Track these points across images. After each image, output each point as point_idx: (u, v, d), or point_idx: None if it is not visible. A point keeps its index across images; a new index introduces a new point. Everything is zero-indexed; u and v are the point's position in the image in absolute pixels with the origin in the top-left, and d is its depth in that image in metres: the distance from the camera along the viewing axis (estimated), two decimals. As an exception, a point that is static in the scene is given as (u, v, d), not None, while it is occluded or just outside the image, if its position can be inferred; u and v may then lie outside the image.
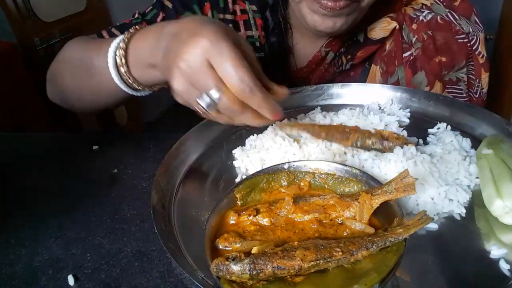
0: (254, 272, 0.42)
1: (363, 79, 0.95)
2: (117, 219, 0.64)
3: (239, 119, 0.55)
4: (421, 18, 0.88)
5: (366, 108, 0.80)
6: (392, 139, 0.66)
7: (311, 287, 0.42)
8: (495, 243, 0.51)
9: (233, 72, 0.50)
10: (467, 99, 0.91)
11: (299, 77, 0.99)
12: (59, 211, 0.67)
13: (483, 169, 0.59)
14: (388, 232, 0.46)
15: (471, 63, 0.89)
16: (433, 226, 0.54)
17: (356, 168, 0.56)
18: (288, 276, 0.43)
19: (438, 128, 0.74)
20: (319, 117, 0.78)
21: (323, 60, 0.95)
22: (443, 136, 0.70)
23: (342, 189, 0.56)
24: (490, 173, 0.57)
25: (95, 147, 0.85)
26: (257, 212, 0.52)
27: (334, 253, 0.43)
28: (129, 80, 0.67)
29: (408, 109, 0.81)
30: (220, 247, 0.48)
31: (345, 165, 0.57)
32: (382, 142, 0.66)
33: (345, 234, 0.49)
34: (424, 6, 0.90)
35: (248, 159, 0.68)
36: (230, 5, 0.91)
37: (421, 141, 0.71)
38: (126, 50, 0.65)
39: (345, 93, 0.87)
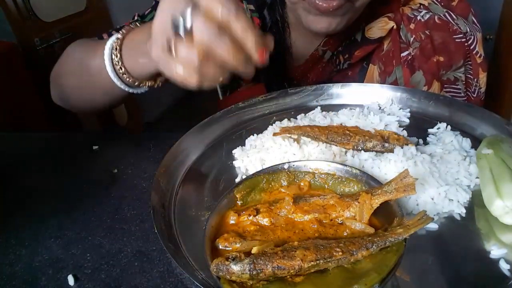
0: (254, 272, 0.42)
1: (361, 78, 0.96)
2: (117, 219, 0.64)
3: (217, 47, 0.47)
4: (418, 18, 0.88)
5: (366, 108, 0.80)
6: (393, 139, 0.66)
7: (311, 287, 0.42)
8: (495, 243, 0.51)
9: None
10: (465, 98, 0.91)
11: (296, 76, 0.99)
12: (59, 211, 0.67)
13: (483, 169, 0.59)
14: (388, 232, 0.46)
15: (469, 62, 0.89)
16: (433, 226, 0.54)
17: (356, 168, 0.56)
18: (288, 276, 0.43)
19: (438, 128, 0.74)
20: (319, 117, 0.78)
21: (320, 59, 0.95)
22: (443, 136, 0.70)
23: (342, 189, 0.56)
24: (490, 173, 0.57)
25: (95, 147, 0.85)
26: (257, 212, 0.52)
27: (334, 253, 0.43)
28: (120, 71, 0.68)
29: (408, 109, 0.81)
30: (220, 247, 0.48)
31: (345, 165, 0.57)
32: (383, 144, 0.66)
33: (345, 234, 0.49)
34: (421, 6, 0.90)
35: (248, 159, 0.68)
36: None
37: (421, 141, 0.71)
38: (122, 41, 0.67)
39: (345, 93, 0.87)
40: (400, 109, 0.81)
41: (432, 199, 0.57)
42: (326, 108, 0.82)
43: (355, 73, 0.97)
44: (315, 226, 0.50)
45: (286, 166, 0.58)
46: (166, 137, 0.82)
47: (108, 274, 0.55)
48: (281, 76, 0.99)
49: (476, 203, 0.58)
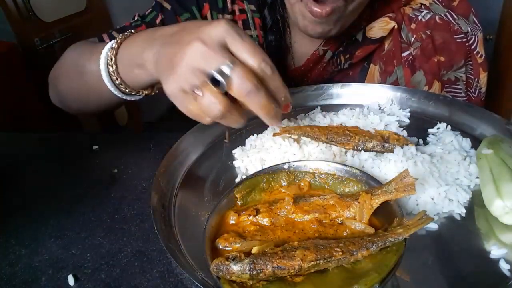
0: (254, 272, 0.42)
1: (361, 78, 0.95)
2: (117, 219, 0.64)
3: (252, 102, 0.50)
4: (419, 17, 0.88)
5: (366, 108, 0.80)
6: (393, 140, 0.66)
7: (311, 287, 0.42)
8: (495, 243, 0.51)
9: (256, 51, 0.49)
10: (466, 98, 0.91)
11: (297, 76, 0.99)
12: (59, 211, 0.67)
13: (483, 169, 0.59)
14: (388, 232, 0.46)
15: (470, 62, 0.89)
16: (433, 226, 0.54)
17: (356, 168, 0.56)
18: (288, 276, 0.43)
19: (438, 128, 0.74)
20: (319, 117, 0.78)
21: (321, 59, 0.95)
22: (443, 136, 0.70)
23: (342, 189, 0.56)
24: (490, 173, 0.57)
25: (95, 147, 0.85)
26: (257, 212, 0.52)
27: (334, 253, 0.43)
28: (117, 81, 0.67)
29: (408, 109, 0.81)
30: (220, 247, 0.48)
31: (345, 165, 0.57)
32: (383, 144, 0.66)
33: (345, 234, 0.49)
34: (423, 6, 0.90)
35: (248, 159, 0.68)
36: (229, 5, 0.92)
37: (421, 141, 0.71)
38: (117, 50, 0.65)
39: (345, 93, 0.87)
40: (400, 109, 0.81)
41: (432, 199, 0.57)
42: (326, 108, 0.82)
43: (356, 73, 0.97)
44: (315, 226, 0.50)
45: (286, 166, 0.58)
46: (166, 137, 0.82)
47: (108, 274, 0.55)
48: (282, 76, 0.99)
49: (476, 203, 0.58)
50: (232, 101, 0.51)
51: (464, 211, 0.57)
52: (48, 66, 0.88)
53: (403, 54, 0.90)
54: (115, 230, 0.62)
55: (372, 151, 0.66)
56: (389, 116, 0.76)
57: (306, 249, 0.44)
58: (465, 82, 0.90)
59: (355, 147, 0.66)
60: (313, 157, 0.66)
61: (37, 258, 0.58)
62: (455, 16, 0.87)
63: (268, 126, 0.76)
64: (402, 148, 0.64)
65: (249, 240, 0.48)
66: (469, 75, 0.90)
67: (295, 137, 0.71)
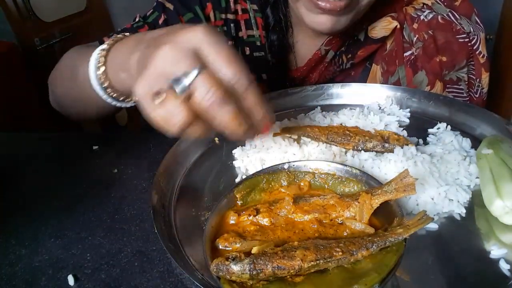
0: (254, 272, 0.42)
1: (363, 78, 0.95)
2: (117, 219, 0.64)
3: (215, 117, 0.44)
4: (422, 17, 0.88)
5: (366, 108, 0.80)
6: (393, 140, 0.66)
7: (311, 287, 0.42)
8: (495, 243, 0.51)
9: (232, 61, 0.44)
10: (468, 99, 0.91)
11: (299, 76, 0.99)
12: (59, 211, 0.67)
13: (483, 169, 0.59)
14: (388, 232, 0.46)
15: (472, 62, 0.89)
16: (433, 226, 0.54)
17: (356, 168, 0.56)
18: (288, 276, 0.43)
19: (438, 128, 0.74)
20: (319, 117, 0.78)
21: (323, 59, 0.95)
22: (443, 136, 0.70)
23: (342, 189, 0.56)
24: (490, 173, 0.57)
25: (95, 147, 0.85)
26: (257, 212, 0.52)
27: (334, 253, 0.43)
28: (104, 85, 0.63)
29: (408, 109, 0.81)
30: (220, 247, 0.48)
31: (345, 165, 0.57)
32: (383, 144, 0.66)
33: (345, 234, 0.49)
34: (425, 6, 0.90)
35: (248, 159, 0.68)
36: (232, 4, 0.91)
37: (421, 141, 0.71)
38: (107, 53, 0.62)
39: (345, 93, 0.87)
40: (400, 109, 0.81)
41: (432, 199, 0.57)
42: (326, 108, 0.82)
43: (358, 73, 0.97)
44: (315, 226, 0.50)
45: (286, 166, 0.58)
46: (166, 137, 0.82)
47: (108, 274, 0.55)
48: (284, 76, 0.99)
49: (476, 203, 0.58)
50: None
51: (464, 211, 0.57)
52: (48, 66, 0.87)
53: (405, 54, 0.90)
54: (115, 230, 0.62)
55: (372, 151, 0.66)
56: (389, 116, 0.76)
57: (306, 249, 0.44)
58: (467, 82, 0.90)
59: (355, 147, 0.67)
60: (313, 157, 0.66)
61: (37, 258, 0.58)
62: (457, 16, 0.87)
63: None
64: (402, 148, 0.64)
65: (249, 240, 0.48)
66: (471, 75, 0.90)
67: (295, 137, 0.71)
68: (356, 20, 0.84)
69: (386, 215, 0.50)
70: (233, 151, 0.73)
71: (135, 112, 0.56)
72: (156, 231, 0.53)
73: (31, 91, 2.04)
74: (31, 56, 2.14)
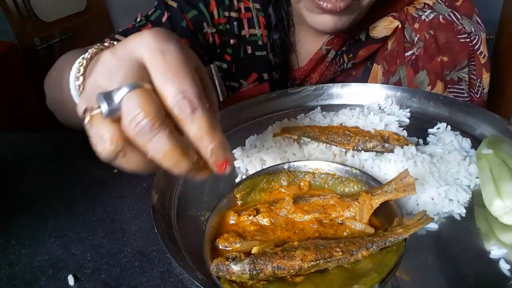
0: (254, 272, 0.42)
1: (364, 78, 0.95)
2: (117, 219, 0.64)
3: (146, 144, 0.35)
4: (423, 17, 0.88)
5: (366, 108, 0.80)
6: (393, 140, 0.66)
7: (311, 287, 0.42)
8: (495, 243, 0.51)
9: (178, 75, 0.35)
10: (468, 99, 0.91)
11: (300, 75, 0.99)
12: (59, 211, 0.67)
13: (483, 169, 0.59)
14: (388, 232, 0.46)
15: (473, 63, 0.89)
16: (433, 226, 0.54)
17: (356, 168, 0.56)
18: (288, 276, 0.43)
19: (438, 128, 0.74)
20: (319, 117, 0.78)
21: (324, 58, 0.95)
22: (443, 136, 0.70)
23: (342, 189, 0.56)
24: (490, 173, 0.57)
25: (95, 147, 0.85)
26: (257, 212, 0.52)
27: (334, 253, 0.43)
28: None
29: (408, 109, 0.81)
30: (220, 247, 0.48)
31: (345, 165, 0.57)
32: (383, 144, 0.66)
33: (345, 234, 0.49)
34: (426, 6, 0.90)
35: (248, 159, 0.68)
36: (235, 2, 0.92)
37: (421, 141, 0.71)
38: (88, 62, 0.54)
39: (345, 93, 0.87)
40: (400, 109, 0.81)
41: (432, 199, 0.57)
42: (326, 108, 0.82)
43: (359, 73, 0.97)
44: (315, 226, 0.50)
45: (286, 166, 0.58)
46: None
47: (108, 274, 0.55)
48: (285, 76, 0.99)
49: (476, 203, 0.58)
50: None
51: (464, 211, 0.57)
52: (48, 66, 0.87)
53: (406, 54, 0.90)
54: (115, 230, 0.62)
55: (372, 151, 0.66)
56: (389, 116, 0.76)
57: (306, 249, 0.44)
58: (467, 83, 0.90)
59: (355, 147, 0.67)
60: (313, 157, 0.66)
61: (37, 258, 0.58)
62: (458, 16, 0.87)
63: (268, 126, 0.77)
64: (402, 148, 0.64)
65: (249, 240, 0.48)
66: (472, 75, 0.90)
67: (295, 137, 0.71)
68: (357, 20, 0.84)
69: (386, 215, 0.50)
70: (233, 151, 0.73)
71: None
72: (156, 231, 0.53)
73: (31, 91, 2.04)
74: (31, 56, 2.14)
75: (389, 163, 0.62)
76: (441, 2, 0.90)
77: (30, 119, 2.02)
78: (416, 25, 0.88)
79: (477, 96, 0.91)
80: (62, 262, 0.57)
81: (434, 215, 0.56)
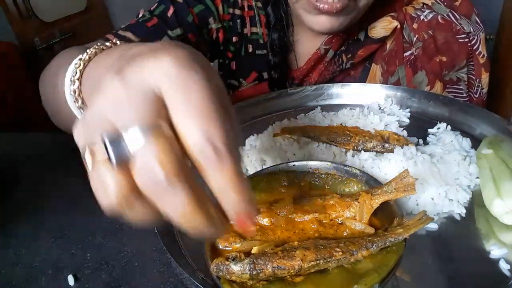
0: (254, 272, 0.42)
1: (363, 78, 0.95)
2: (117, 219, 0.64)
3: (162, 202, 0.29)
4: (422, 17, 0.88)
5: (366, 108, 0.80)
6: (393, 140, 0.66)
7: (311, 287, 0.42)
8: (495, 243, 0.51)
9: (203, 115, 0.28)
10: (467, 99, 0.91)
11: (299, 75, 0.99)
12: (59, 211, 0.67)
13: (483, 169, 0.59)
14: (388, 232, 0.46)
15: (472, 63, 0.89)
16: (433, 226, 0.54)
17: (356, 168, 0.56)
18: (288, 276, 0.43)
19: (438, 128, 0.74)
20: (319, 117, 0.78)
21: (322, 58, 0.95)
22: (443, 136, 0.70)
23: (342, 189, 0.56)
24: (490, 173, 0.57)
25: (95, 147, 0.85)
26: (257, 212, 0.52)
27: (334, 253, 0.43)
28: (77, 104, 0.49)
29: (408, 109, 0.81)
30: (220, 247, 0.47)
31: (345, 165, 0.57)
32: (383, 144, 0.66)
33: (345, 234, 0.49)
34: (425, 6, 0.90)
35: (248, 159, 0.68)
36: (239, 0, 0.92)
37: (421, 141, 0.71)
38: (86, 63, 0.48)
39: (345, 93, 0.87)
40: (400, 109, 0.81)
41: (432, 199, 0.57)
42: (326, 108, 0.82)
43: (357, 73, 0.97)
44: (315, 226, 0.50)
45: (286, 166, 0.58)
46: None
47: (108, 274, 0.55)
48: (284, 75, 0.99)
49: (476, 203, 0.58)
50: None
51: (464, 211, 0.57)
52: (48, 66, 0.87)
53: (405, 54, 0.89)
54: (115, 230, 0.62)
55: (372, 151, 0.66)
56: (389, 116, 0.76)
57: (306, 249, 0.44)
58: (466, 83, 0.90)
59: (355, 147, 0.67)
60: (313, 157, 0.66)
61: (37, 258, 0.58)
62: (457, 16, 0.87)
63: (268, 126, 0.76)
64: (402, 148, 0.64)
65: (249, 240, 0.48)
66: (471, 76, 0.90)
67: (295, 137, 0.71)
68: (355, 21, 0.84)
69: (386, 215, 0.50)
70: (233, 151, 0.72)
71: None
72: (156, 231, 0.53)
73: (31, 91, 2.04)
74: (31, 56, 2.14)
75: (389, 163, 0.62)
76: (440, 2, 0.90)
77: (30, 119, 2.02)
78: (415, 25, 0.88)
79: (476, 96, 0.91)
80: (62, 262, 0.57)
81: (434, 215, 0.56)
